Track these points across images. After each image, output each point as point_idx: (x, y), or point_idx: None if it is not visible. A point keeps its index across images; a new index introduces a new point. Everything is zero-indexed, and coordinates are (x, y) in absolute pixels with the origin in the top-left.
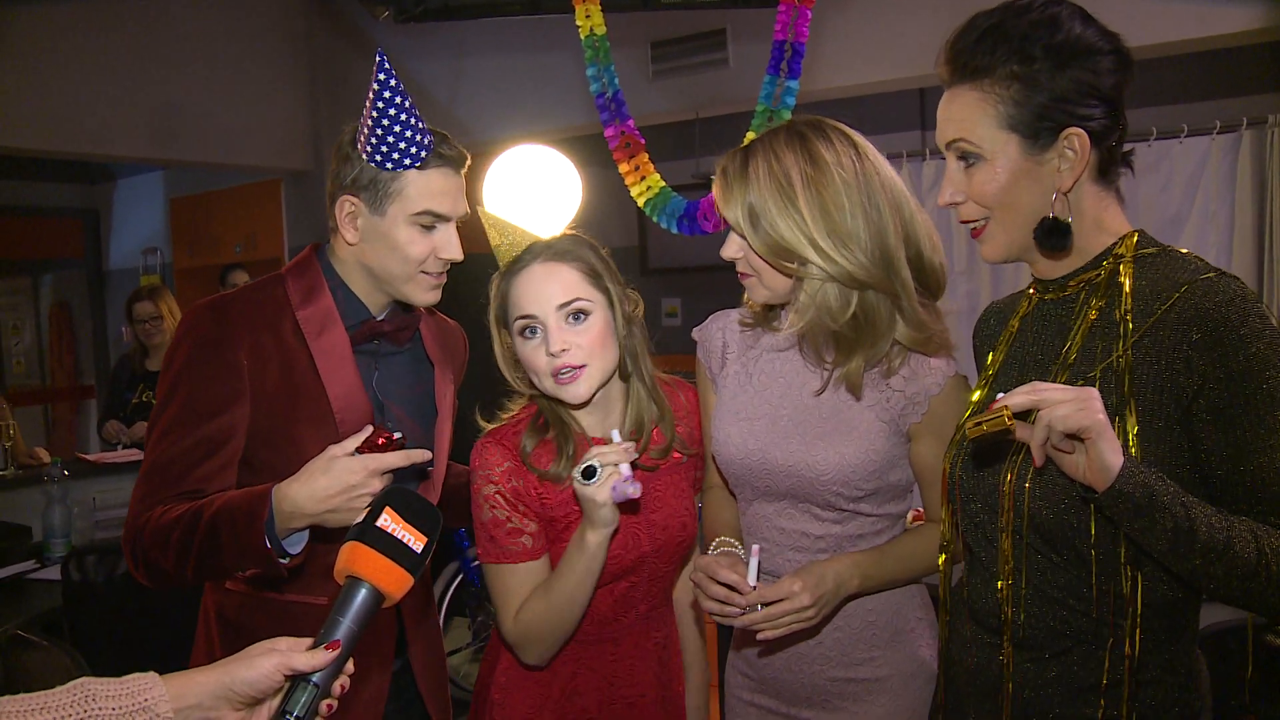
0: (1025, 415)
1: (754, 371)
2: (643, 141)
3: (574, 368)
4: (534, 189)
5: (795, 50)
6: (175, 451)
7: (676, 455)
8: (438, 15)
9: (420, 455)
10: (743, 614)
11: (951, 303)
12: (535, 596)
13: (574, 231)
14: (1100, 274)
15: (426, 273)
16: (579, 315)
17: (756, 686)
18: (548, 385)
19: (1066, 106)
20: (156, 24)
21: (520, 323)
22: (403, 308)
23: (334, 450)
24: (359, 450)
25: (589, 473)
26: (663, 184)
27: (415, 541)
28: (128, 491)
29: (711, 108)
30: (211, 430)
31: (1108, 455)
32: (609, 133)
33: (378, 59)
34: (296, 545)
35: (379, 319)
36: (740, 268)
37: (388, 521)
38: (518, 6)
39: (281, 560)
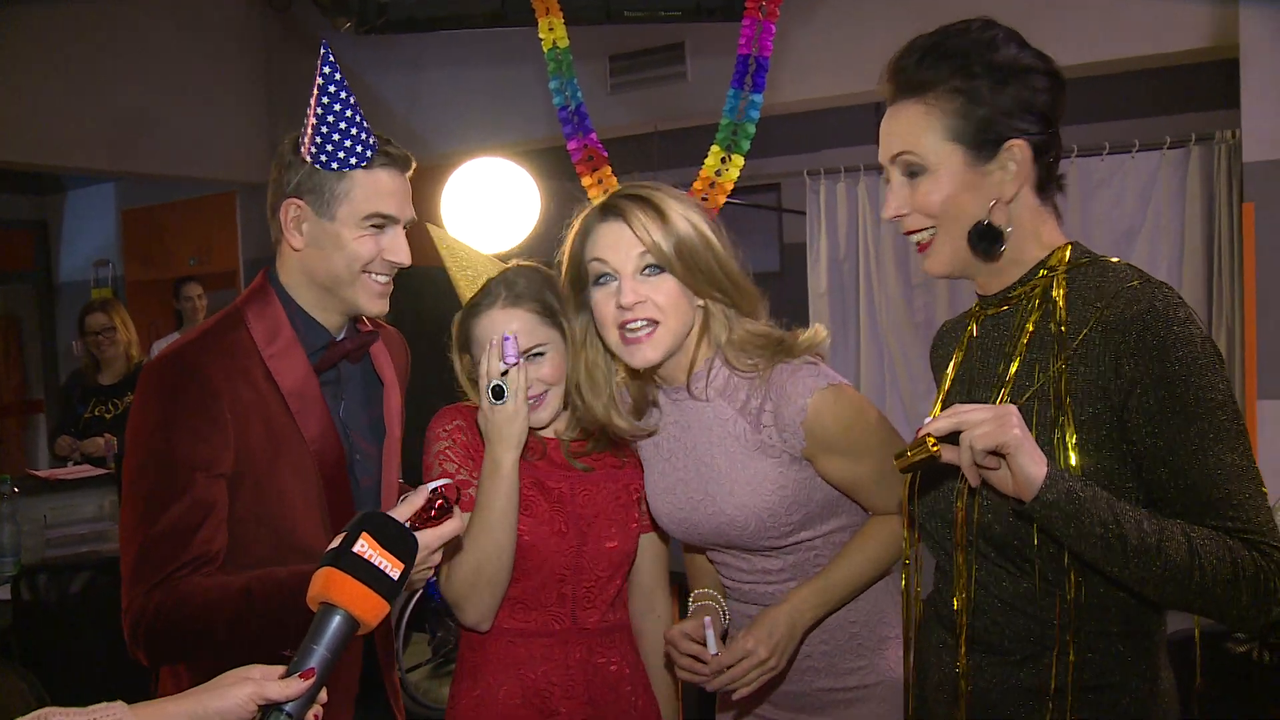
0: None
1: (660, 440)
2: (605, 155)
3: (537, 396)
4: (492, 203)
5: (759, 64)
6: (169, 521)
7: (614, 460)
8: (401, 27)
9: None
10: (715, 677)
11: (908, 316)
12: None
13: (530, 263)
14: (1036, 286)
15: (370, 274)
16: (537, 355)
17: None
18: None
19: (1008, 120)
20: (111, 34)
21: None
22: (354, 325)
23: None
24: (411, 523)
25: (498, 392)
26: None
27: (392, 568)
28: (80, 508)
29: (670, 121)
30: (200, 492)
31: (1028, 468)
32: (572, 146)
33: (322, 52)
34: None
35: (340, 340)
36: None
37: (364, 547)
38: (481, 19)
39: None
